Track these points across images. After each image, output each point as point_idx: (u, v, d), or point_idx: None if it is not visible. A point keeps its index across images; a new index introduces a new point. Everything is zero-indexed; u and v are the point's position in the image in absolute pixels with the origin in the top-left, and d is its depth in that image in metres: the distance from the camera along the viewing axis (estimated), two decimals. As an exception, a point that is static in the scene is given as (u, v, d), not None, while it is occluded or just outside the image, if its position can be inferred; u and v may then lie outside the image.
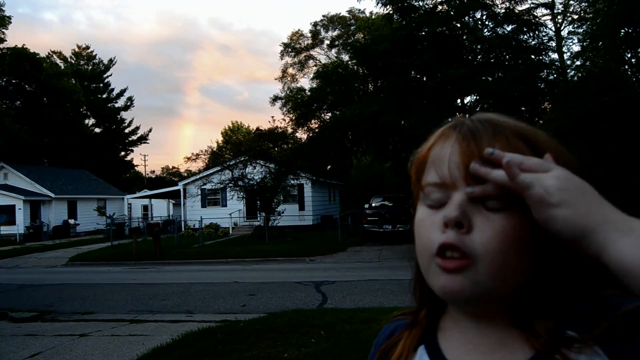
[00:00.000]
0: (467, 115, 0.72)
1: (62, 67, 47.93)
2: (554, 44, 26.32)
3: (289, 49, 46.99)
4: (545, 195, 0.57)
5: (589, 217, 0.56)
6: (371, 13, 43.51)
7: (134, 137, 56.23)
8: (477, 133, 0.65)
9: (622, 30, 14.72)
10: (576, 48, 29.88)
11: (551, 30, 27.34)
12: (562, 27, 29.02)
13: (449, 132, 0.68)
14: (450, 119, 0.72)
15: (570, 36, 28.66)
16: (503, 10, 23.33)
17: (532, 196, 0.58)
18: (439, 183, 0.65)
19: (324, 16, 46.16)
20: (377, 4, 24.08)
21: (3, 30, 36.09)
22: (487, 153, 0.62)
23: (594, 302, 0.62)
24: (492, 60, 23.35)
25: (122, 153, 56.04)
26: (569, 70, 25.28)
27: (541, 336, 0.62)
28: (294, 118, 40.27)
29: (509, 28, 23.33)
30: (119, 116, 54.76)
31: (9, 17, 36.31)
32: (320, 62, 46.28)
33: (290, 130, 28.77)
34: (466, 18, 23.36)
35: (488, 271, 0.60)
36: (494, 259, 0.60)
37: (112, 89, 54.88)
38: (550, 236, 0.61)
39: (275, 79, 53.84)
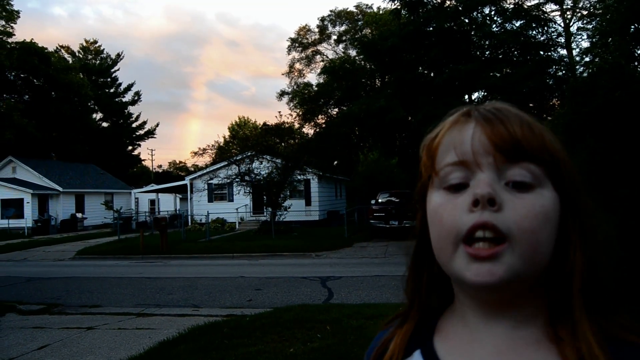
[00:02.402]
0: (474, 104, 0.71)
1: (70, 62, 48.07)
2: (562, 40, 26.10)
3: (296, 44, 46.89)
4: None
5: None
6: (379, 8, 43.37)
7: (141, 132, 56.42)
8: (501, 116, 0.64)
9: (632, 27, 14.57)
10: (585, 44, 29.59)
11: (560, 26, 27.12)
12: (571, 23, 28.75)
13: (464, 119, 0.67)
14: (460, 108, 0.70)
15: (580, 32, 28.38)
16: (512, 6, 23.17)
17: None
18: (459, 162, 0.63)
19: (331, 11, 46.09)
20: (385, -1, 23.96)
21: (11, 24, 36.25)
22: None
23: (620, 347, 0.60)
24: (500, 56, 23.23)
25: (130, 147, 56.24)
26: (577, 67, 25.09)
27: (591, 345, 0.59)
28: (300, 113, 40.24)
29: (518, 24, 23.18)
30: (126, 111, 54.93)
31: (17, 12, 36.45)
32: (328, 57, 46.18)
33: (297, 125, 28.77)
34: (474, 13, 23.23)
35: (523, 252, 0.59)
36: (529, 239, 0.59)
37: (120, 84, 55.06)
38: (577, 215, 0.63)
39: (282, 74, 53.79)
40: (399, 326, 0.75)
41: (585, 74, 19.64)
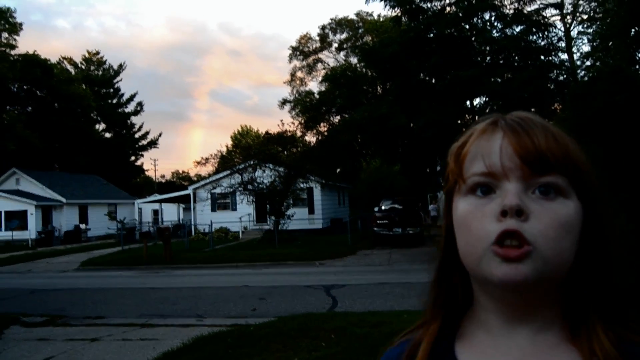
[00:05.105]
0: (501, 113, 0.74)
1: (73, 73, 48.30)
2: (563, 45, 26.11)
3: (298, 53, 47.00)
4: None
5: None
6: (379, 15, 43.46)
7: (144, 142, 56.52)
8: (527, 127, 0.66)
9: (632, 30, 14.59)
10: (586, 48, 29.63)
11: (560, 30, 27.12)
12: (571, 28, 28.80)
13: (492, 128, 0.69)
14: (487, 117, 0.72)
15: (580, 36, 28.43)
16: (512, 11, 23.20)
17: None
18: (487, 172, 0.66)
19: (332, 19, 46.11)
20: (385, 7, 24.01)
21: (14, 37, 36.53)
22: None
23: (633, 349, 0.63)
24: (501, 62, 23.21)
25: (132, 158, 56.29)
26: (579, 71, 25.07)
27: (604, 345, 0.62)
28: (302, 121, 40.23)
29: (518, 29, 23.18)
30: (129, 121, 55.03)
31: (20, 24, 36.77)
32: (329, 65, 46.26)
33: (299, 133, 28.76)
34: (475, 19, 23.26)
35: (547, 257, 0.62)
36: (553, 246, 0.62)
37: (122, 94, 55.22)
38: (598, 223, 0.66)
39: (284, 83, 53.88)
40: (427, 328, 0.76)
41: (586, 78, 19.65)
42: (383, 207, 21.03)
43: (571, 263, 0.64)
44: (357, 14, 45.25)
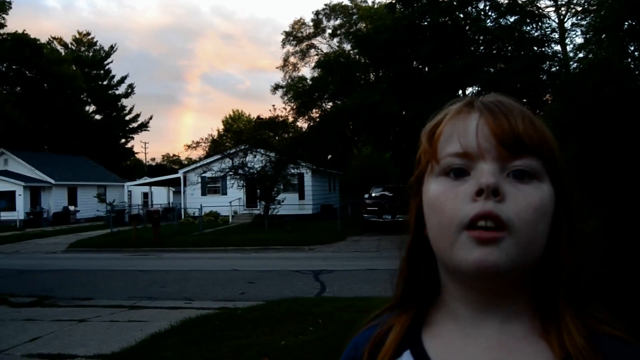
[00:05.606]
0: (476, 95, 0.72)
1: (63, 54, 47.68)
2: (557, 36, 26.14)
3: (291, 38, 46.65)
4: None
5: None
6: (373, 2, 43.22)
7: (135, 125, 56.03)
8: (504, 109, 0.65)
9: (626, 23, 14.61)
10: (579, 40, 29.65)
11: (554, 21, 27.15)
12: (565, 19, 28.79)
13: (467, 109, 0.67)
14: (461, 98, 0.71)
15: (574, 28, 28.45)
16: (506, 1, 23.17)
17: None
18: (462, 153, 0.64)
19: (326, 5, 45.74)
20: (380, -7, 23.92)
21: (3, 15, 35.95)
22: None
23: (600, 339, 0.63)
24: (494, 51, 23.23)
25: (123, 140, 55.83)
26: (571, 63, 25.14)
27: (574, 338, 0.62)
28: (294, 107, 40.06)
29: (512, 19, 23.18)
30: (119, 103, 54.50)
31: (9, 2, 36.16)
32: (322, 51, 45.99)
33: (291, 119, 28.75)
34: (469, 8, 23.21)
35: (521, 242, 0.60)
36: (528, 230, 0.60)
37: (113, 76, 54.57)
38: (568, 210, 0.65)
39: (277, 68, 53.37)
40: (398, 316, 0.74)
41: (577, 70, 19.72)
42: (373, 194, 21.08)
43: (543, 249, 0.63)
44: (352, 0, 44.97)
